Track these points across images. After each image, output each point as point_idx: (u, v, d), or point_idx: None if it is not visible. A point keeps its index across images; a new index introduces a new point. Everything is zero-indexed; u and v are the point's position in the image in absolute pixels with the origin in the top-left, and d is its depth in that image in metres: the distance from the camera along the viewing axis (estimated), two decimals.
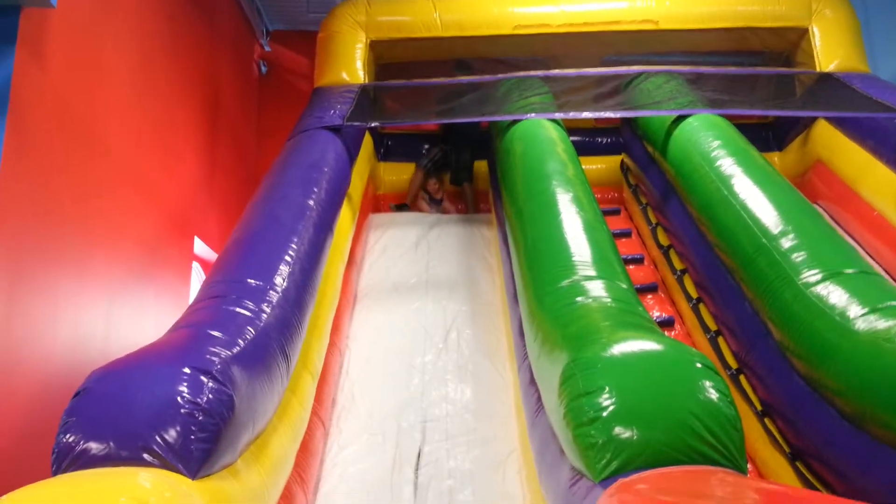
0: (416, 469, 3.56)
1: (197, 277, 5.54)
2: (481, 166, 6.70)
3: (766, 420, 3.36)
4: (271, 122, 7.61)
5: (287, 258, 3.37)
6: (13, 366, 3.17)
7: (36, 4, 3.27)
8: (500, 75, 5.92)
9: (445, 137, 6.91)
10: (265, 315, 2.90)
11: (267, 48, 8.08)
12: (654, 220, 5.36)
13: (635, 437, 2.18)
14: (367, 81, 6.19)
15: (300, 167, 4.47)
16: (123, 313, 4.24)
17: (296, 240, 3.56)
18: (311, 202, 4.02)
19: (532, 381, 3.22)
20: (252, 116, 7.74)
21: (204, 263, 5.72)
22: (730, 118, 5.05)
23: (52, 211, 3.52)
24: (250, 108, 7.71)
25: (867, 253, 4.80)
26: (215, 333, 2.61)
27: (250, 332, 2.75)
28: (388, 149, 6.90)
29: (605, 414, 2.24)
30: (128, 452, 2.10)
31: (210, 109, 6.14)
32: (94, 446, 2.11)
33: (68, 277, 3.65)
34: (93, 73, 4.00)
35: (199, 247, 5.68)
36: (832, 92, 5.69)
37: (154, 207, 4.81)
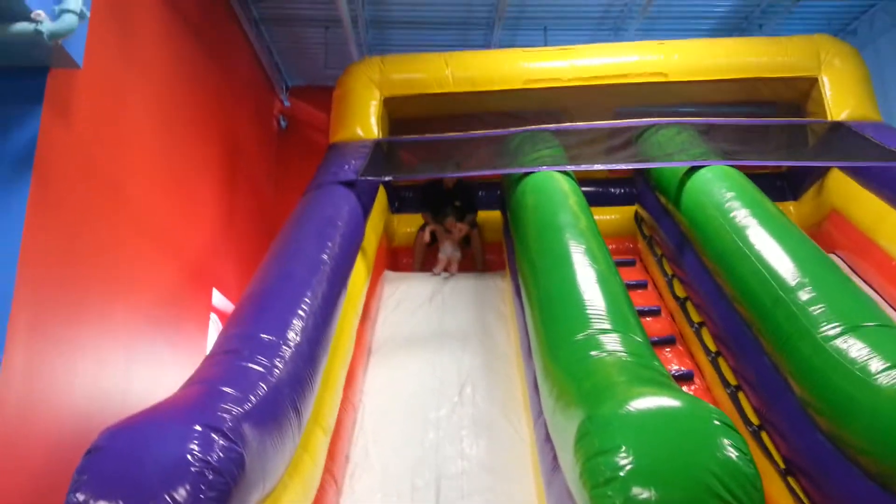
0: None
1: (215, 329, 5.56)
2: (488, 218, 6.72)
3: (789, 478, 3.27)
4: (290, 175, 7.74)
5: (300, 313, 3.38)
6: (31, 418, 3.18)
7: (63, 65, 3.39)
8: (511, 129, 6.01)
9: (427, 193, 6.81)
10: (277, 371, 2.89)
11: (286, 103, 8.27)
12: (669, 272, 5.33)
13: (653, 498, 2.13)
14: (380, 136, 6.30)
15: (315, 222, 4.52)
16: (142, 365, 4.25)
17: (309, 294, 3.58)
18: (326, 257, 4.05)
19: (548, 438, 3.16)
20: (271, 170, 7.88)
21: (222, 315, 5.75)
22: (743, 169, 5.06)
23: (74, 264, 3.57)
24: (270, 161, 7.85)
25: (886, 302, 4.73)
26: (227, 390, 2.61)
27: (262, 388, 2.74)
28: (402, 201, 6.97)
29: (621, 474, 2.19)
30: None
31: (230, 163, 6.27)
32: None
33: (88, 329, 3.68)
34: (116, 130, 4.11)
35: (218, 298, 5.71)
36: (845, 141, 5.70)
37: (174, 260, 4.87)
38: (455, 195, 6.67)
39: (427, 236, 6.49)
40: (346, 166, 5.49)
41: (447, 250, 6.34)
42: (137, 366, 4.19)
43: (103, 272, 3.86)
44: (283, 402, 2.83)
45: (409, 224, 6.82)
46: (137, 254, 4.28)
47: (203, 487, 2.17)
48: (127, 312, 4.11)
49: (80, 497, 2.13)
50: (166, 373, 4.53)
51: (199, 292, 5.38)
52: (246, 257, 6.31)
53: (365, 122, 6.34)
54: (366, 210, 5.29)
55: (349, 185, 5.20)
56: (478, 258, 6.65)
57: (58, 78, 3.43)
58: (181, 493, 2.14)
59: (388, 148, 6.22)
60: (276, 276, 3.79)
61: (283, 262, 3.97)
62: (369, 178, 5.41)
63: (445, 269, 6.20)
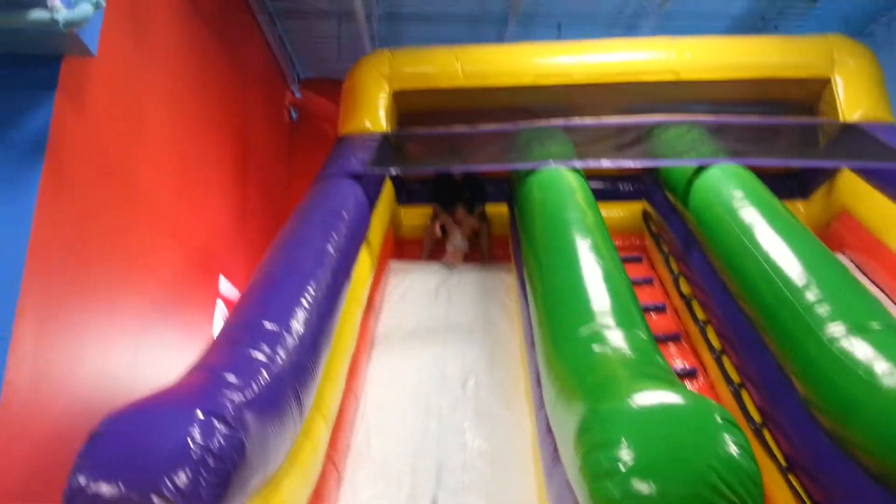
0: None
1: (221, 316, 5.60)
2: (495, 213, 6.71)
3: (790, 475, 3.26)
4: (301, 165, 7.76)
5: (304, 303, 3.39)
6: (39, 402, 3.21)
7: (77, 53, 3.40)
8: (520, 123, 5.99)
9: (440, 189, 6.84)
10: (280, 359, 2.91)
11: (297, 95, 8.28)
12: (676, 270, 5.31)
13: (653, 493, 2.13)
14: (389, 130, 6.29)
15: (321, 214, 4.54)
16: (149, 351, 4.28)
17: (314, 285, 3.59)
18: (331, 248, 4.07)
19: (549, 430, 3.17)
20: (282, 160, 7.90)
21: (228, 303, 5.78)
22: (753, 168, 5.03)
23: (83, 250, 3.59)
24: (281, 152, 7.87)
25: (893, 303, 4.70)
26: (229, 377, 2.63)
27: (264, 376, 2.76)
28: (409, 194, 6.97)
29: (622, 468, 2.19)
30: (138, 495, 2.12)
31: (241, 153, 6.29)
32: (106, 489, 2.12)
33: (96, 315, 3.71)
34: (129, 118, 4.13)
35: (225, 286, 5.74)
36: (856, 142, 5.66)
37: (182, 247, 4.90)
38: (464, 187, 6.67)
39: (438, 230, 6.50)
40: (354, 159, 5.50)
41: (456, 242, 6.32)
42: (144, 352, 4.22)
43: (112, 259, 3.89)
44: (285, 391, 2.84)
45: (415, 217, 6.82)
46: (146, 241, 4.31)
47: (204, 472, 2.19)
48: (135, 299, 4.14)
49: (82, 480, 2.15)
50: (173, 359, 4.56)
51: (207, 280, 5.41)
52: (255, 247, 6.33)
53: (374, 115, 6.34)
54: (372, 202, 5.31)
55: (356, 177, 5.22)
56: (484, 250, 6.64)
57: (72, 66, 3.44)
58: (182, 478, 2.16)
59: (395, 141, 6.22)
60: (281, 266, 3.81)
61: (289, 252, 3.98)
62: (376, 170, 5.40)
63: (451, 261, 6.20)
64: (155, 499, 2.11)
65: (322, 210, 4.60)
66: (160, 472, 2.16)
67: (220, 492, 2.21)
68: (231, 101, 6.04)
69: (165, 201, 4.61)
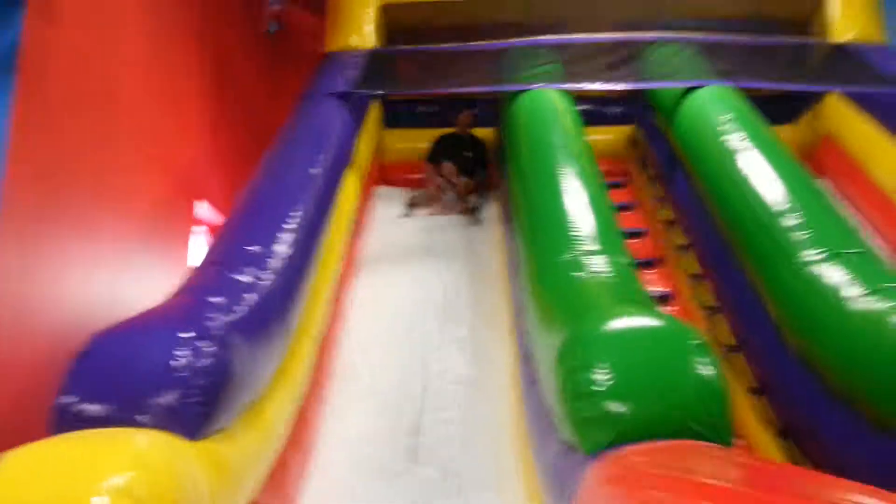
0: (415, 437, 3.61)
1: (204, 241, 5.58)
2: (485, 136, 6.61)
3: (759, 397, 3.38)
4: (283, 84, 7.54)
5: (289, 226, 3.39)
6: (22, 322, 3.22)
7: None
8: (510, 40, 5.84)
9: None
10: (265, 282, 2.93)
11: (278, 6, 7.96)
12: (658, 194, 5.33)
13: (627, 412, 2.21)
14: (377, 46, 6.11)
15: (306, 136, 4.49)
16: (130, 275, 4.27)
17: (299, 208, 3.59)
18: (316, 171, 4.04)
19: (528, 355, 3.25)
20: (263, 78, 7.68)
21: (211, 228, 5.75)
22: (742, 90, 4.98)
23: (63, 175, 3.53)
24: (262, 68, 7.64)
25: (872, 230, 4.77)
26: (215, 299, 2.65)
27: (250, 298, 2.78)
28: (396, 116, 6.85)
29: (598, 389, 2.26)
30: (126, 414, 2.15)
31: (219, 70, 6.10)
32: (93, 408, 2.16)
33: (77, 240, 3.68)
34: (103, 30, 3.97)
35: (207, 211, 5.70)
36: (847, 65, 5.59)
37: (162, 170, 4.82)
38: (468, 145, 6.30)
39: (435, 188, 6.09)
40: (340, 78, 5.38)
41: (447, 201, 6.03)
42: (126, 277, 4.21)
43: (91, 180, 3.82)
44: (271, 312, 2.88)
45: (402, 140, 6.72)
46: (126, 162, 4.23)
47: (190, 392, 2.23)
48: (116, 223, 4.10)
49: (69, 399, 2.18)
50: (155, 284, 4.54)
51: (188, 204, 5.35)
52: (236, 169, 6.22)
53: (361, 30, 6.17)
54: (358, 124, 5.23)
55: (342, 97, 5.11)
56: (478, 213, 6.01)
57: None
58: (168, 398, 2.20)
59: (383, 60, 6.06)
60: (266, 190, 3.80)
61: (274, 175, 3.96)
62: (363, 91, 5.29)
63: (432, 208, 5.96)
64: (143, 418, 2.16)
65: (307, 132, 4.55)
66: (146, 392, 2.19)
67: (206, 411, 2.26)
68: (209, 14, 5.82)
69: (143, 120, 4.50)
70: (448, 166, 6.09)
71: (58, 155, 3.49)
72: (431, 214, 5.94)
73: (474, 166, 6.18)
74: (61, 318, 3.52)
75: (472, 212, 5.91)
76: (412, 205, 5.98)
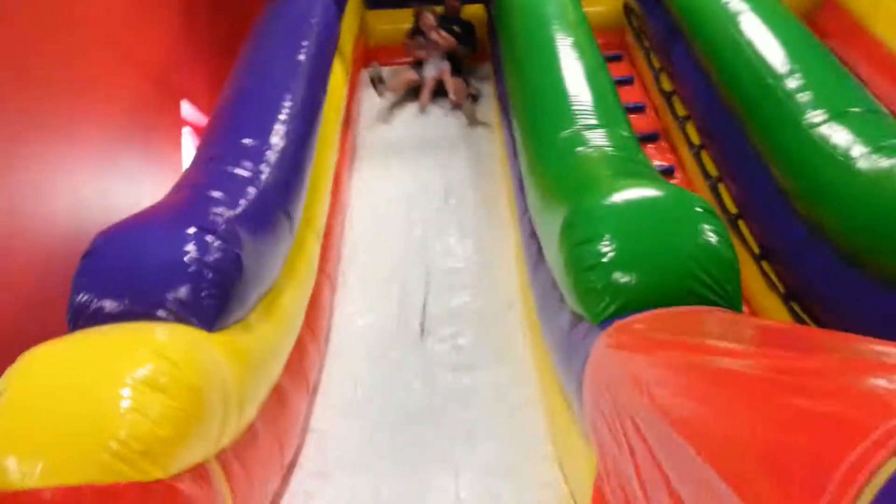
0: (421, 318, 3.68)
1: (189, 141, 5.46)
2: (474, 14, 6.35)
3: (763, 262, 3.43)
4: None
5: (282, 117, 3.31)
6: (15, 231, 3.19)
7: None
8: None
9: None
10: (264, 175, 2.90)
11: None
12: (657, 65, 5.19)
13: (634, 281, 2.23)
14: None
15: (286, 21, 4.27)
16: (117, 179, 4.20)
17: (289, 97, 3.48)
18: (302, 57, 3.89)
19: (533, 234, 3.26)
20: None
21: (195, 126, 5.62)
22: None
23: (36, 81, 3.38)
24: None
25: (875, 91, 4.68)
26: (216, 194, 2.63)
27: (251, 191, 2.76)
28: None
29: (604, 260, 2.28)
30: (142, 309, 2.17)
31: None
32: (109, 304, 2.17)
33: (59, 143, 3.58)
34: None
35: (189, 110, 5.54)
36: None
37: (138, 69, 4.62)
38: (455, 22, 5.81)
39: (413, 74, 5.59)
40: None
41: (432, 67, 5.56)
42: (112, 179, 4.13)
43: (67, 82, 3.66)
44: (273, 204, 2.86)
45: (386, 20, 6.43)
46: (100, 62, 4.04)
47: (204, 285, 2.25)
48: (96, 128, 3.97)
49: (84, 298, 2.18)
50: (142, 186, 4.49)
51: (169, 104, 5.18)
52: (213, 64, 6.00)
53: None
54: (339, 6, 4.98)
55: None
56: (466, 110, 5.38)
57: None
58: (183, 292, 2.22)
59: None
60: (253, 80, 3.67)
61: (258, 64, 3.82)
62: None
63: (424, 101, 5.48)
64: (160, 312, 2.18)
65: (287, 17, 4.32)
66: (160, 286, 2.21)
67: (220, 303, 2.29)
68: None
69: (116, 19, 4.29)
70: (428, 17, 5.58)
71: (30, 63, 3.33)
72: (423, 106, 5.49)
73: (463, 39, 5.73)
74: (53, 223, 3.48)
75: (470, 99, 5.40)
76: (375, 81, 5.38)
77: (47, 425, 1.76)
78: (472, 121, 5.31)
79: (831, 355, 1.51)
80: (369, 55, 6.30)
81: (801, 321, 3.07)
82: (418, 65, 5.66)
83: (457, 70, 5.64)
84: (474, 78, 5.83)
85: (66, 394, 1.84)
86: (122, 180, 4.25)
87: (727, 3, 4.07)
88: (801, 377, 1.37)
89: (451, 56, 5.62)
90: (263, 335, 2.59)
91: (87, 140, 3.87)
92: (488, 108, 5.48)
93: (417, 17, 5.72)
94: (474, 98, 5.51)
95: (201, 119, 5.51)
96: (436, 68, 5.56)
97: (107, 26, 4.14)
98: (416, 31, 5.71)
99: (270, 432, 2.57)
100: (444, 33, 5.59)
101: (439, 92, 5.55)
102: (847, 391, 1.20)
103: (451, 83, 5.45)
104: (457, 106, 5.42)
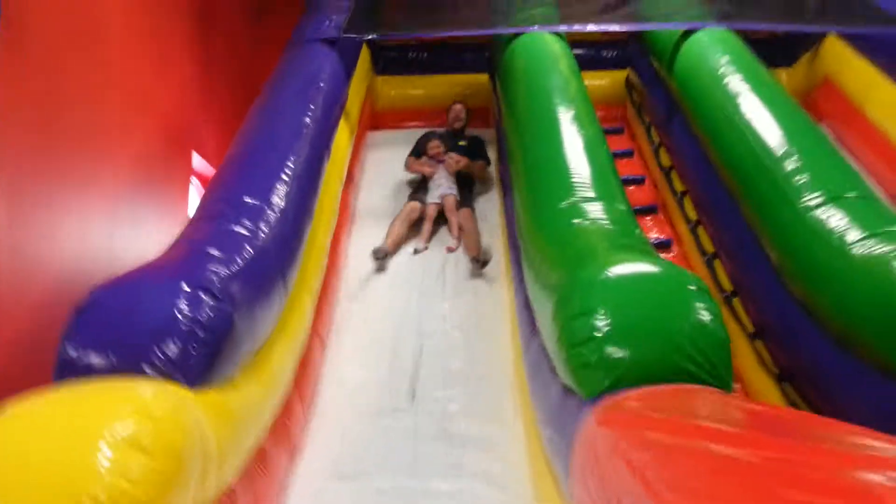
0: (414, 381, 3.64)
1: (195, 192, 5.52)
2: (474, 81, 6.50)
3: (757, 342, 3.42)
4: (269, 30, 7.35)
5: (284, 177, 3.35)
6: (16, 282, 3.19)
7: None
8: None
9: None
10: (263, 234, 2.91)
11: None
12: (656, 140, 5.29)
13: (626, 357, 2.22)
14: None
15: (296, 84, 4.38)
16: (125, 228, 4.23)
17: (293, 158, 3.53)
18: (308, 120, 3.96)
19: (527, 304, 3.26)
20: (248, 23, 7.48)
21: (202, 178, 5.69)
22: (740, 33, 4.90)
23: (53, 124, 3.45)
24: (246, 14, 7.44)
25: (871, 174, 4.76)
26: (213, 252, 2.63)
27: (248, 250, 2.77)
28: (387, 62, 6.72)
29: (598, 335, 2.27)
30: (129, 365, 2.15)
31: (205, 14, 5.93)
32: (96, 359, 2.16)
33: (71, 193, 3.63)
34: None
35: (198, 161, 5.62)
36: (846, 4, 5.49)
37: (152, 120, 4.72)
38: (461, 137, 5.50)
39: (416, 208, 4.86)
40: (328, 22, 5.24)
41: (438, 188, 4.96)
42: (121, 230, 4.17)
43: (81, 131, 3.74)
44: (270, 264, 2.87)
45: (394, 86, 6.61)
46: (116, 113, 4.14)
47: (193, 343, 2.24)
48: (109, 175, 4.03)
49: (72, 351, 2.17)
50: (150, 237, 4.53)
51: (179, 155, 5.27)
52: (225, 118, 6.12)
53: None
54: (348, 71, 5.12)
55: (331, 43, 4.99)
56: (471, 238, 4.63)
57: None
58: (171, 348, 2.20)
59: (371, 4, 5.90)
60: (259, 140, 3.73)
61: (265, 124, 3.89)
62: (352, 35, 5.17)
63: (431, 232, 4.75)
64: (146, 368, 2.16)
65: (297, 80, 4.44)
66: (149, 342, 2.19)
67: (209, 361, 2.27)
68: None
69: (132, 70, 4.40)
70: (435, 144, 5.17)
71: (45, 106, 3.41)
72: (421, 247, 4.70)
73: (475, 155, 5.30)
74: (59, 269, 3.49)
75: (479, 262, 4.42)
76: (380, 256, 4.50)
77: (25, 484, 1.72)
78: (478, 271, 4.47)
79: (825, 446, 1.49)
80: (376, 118, 6.44)
81: (793, 404, 3.04)
82: (421, 184, 5.14)
83: (467, 188, 5.11)
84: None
85: (46, 451, 1.80)
86: (129, 229, 4.28)
87: (726, 84, 4.17)
88: (798, 469, 1.35)
89: (459, 174, 5.13)
90: (249, 395, 2.56)
91: (99, 187, 3.92)
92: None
93: (423, 143, 5.33)
94: (484, 264, 4.41)
95: (209, 170, 5.59)
96: (440, 192, 4.93)
97: (121, 75, 4.24)
98: (422, 153, 5.31)
99: (250, 494, 2.51)
100: (455, 156, 5.14)
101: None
102: (845, 486, 1.19)
103: (454, 220, 4.76)
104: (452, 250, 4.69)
